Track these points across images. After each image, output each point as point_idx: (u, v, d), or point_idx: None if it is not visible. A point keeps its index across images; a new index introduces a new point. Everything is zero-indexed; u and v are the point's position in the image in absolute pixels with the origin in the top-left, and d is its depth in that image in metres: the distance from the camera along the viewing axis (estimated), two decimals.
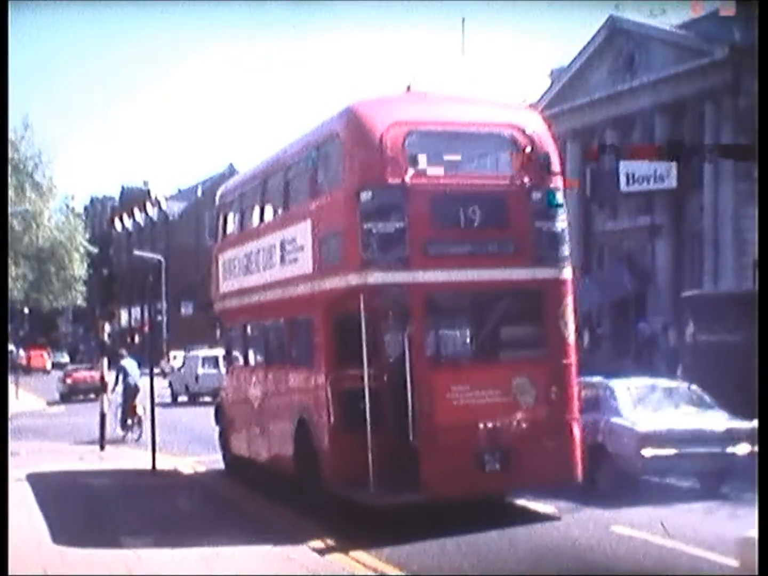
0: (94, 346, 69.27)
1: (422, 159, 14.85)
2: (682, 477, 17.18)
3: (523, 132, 15.14)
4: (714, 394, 19.15)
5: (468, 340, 15.88)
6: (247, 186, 20.15)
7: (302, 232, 16.12)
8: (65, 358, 76.62)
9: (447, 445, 13.94)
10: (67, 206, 75.07)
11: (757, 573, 7.93)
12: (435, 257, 14.44)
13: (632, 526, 14.25)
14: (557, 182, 15.33)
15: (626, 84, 43.32)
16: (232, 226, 20.88)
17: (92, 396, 40.71)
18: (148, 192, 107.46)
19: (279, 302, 17.29)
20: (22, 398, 44.72)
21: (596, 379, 18.31)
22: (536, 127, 15.49)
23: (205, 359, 36.80)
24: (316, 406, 15.23)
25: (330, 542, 13.23)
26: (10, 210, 57.78)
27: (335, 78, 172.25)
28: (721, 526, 13.60)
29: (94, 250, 73.40)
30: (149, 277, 72.91)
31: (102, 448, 24.47)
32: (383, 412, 14.35)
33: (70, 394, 44.52)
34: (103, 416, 25.04)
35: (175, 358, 48.91)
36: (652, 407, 17.30)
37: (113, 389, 27.54)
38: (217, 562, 12.46)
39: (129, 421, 27.00)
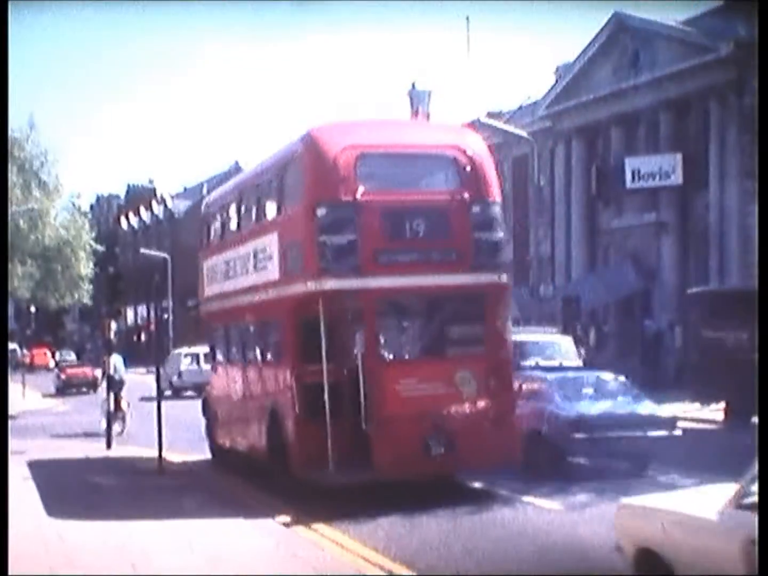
0: (101, 344, 69.42)
1: (372, 178, 16.74)
2: (611, 459, 18.39)
3: (464, 153, 17.06)
4: (718, 389, 19.30)
5: (415, 339, 17.48)
6: (226, 199, 22.25)
7: (270, 243, 18.07)
8: (72, 356, 76.75)
9: (396, 432, 15.69)
10: (73, 205, 75.07)
11: (757, 573, 7.93)
12: (384, 265, 16.20)
13: None
14: (495, 197, 17.13)
15: (631, 81, 43.24)
16: (213, 235, 22.79)
17: (84, 390, 47.22)
18: (154, 190, 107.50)
19: (253, 305, 19.16)
20: (29, 397, 44.79)
21: (536, 371, 21.14)
22: (476, 148, 17.53)
23: (187, 356, 39.00)
24: (284, 398, 17.02)
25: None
26: (16, 209, 57.97)
27: (339, 77, 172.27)
28: None
29: (101, 248, 73.44)
30: (155, 275, 72.95)
31: (109, 446, 24.55)
32: (341, 404, 16.05)
33: (64, 388, 48.61)
34: (109, 415, 25.14)
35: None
36: (583, 396, 19.11)
37: (100, 384, 28.88)
38: (223, 562, 12.49)
39: (117, 414, 27.30)
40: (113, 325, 25.33)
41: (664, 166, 41.39)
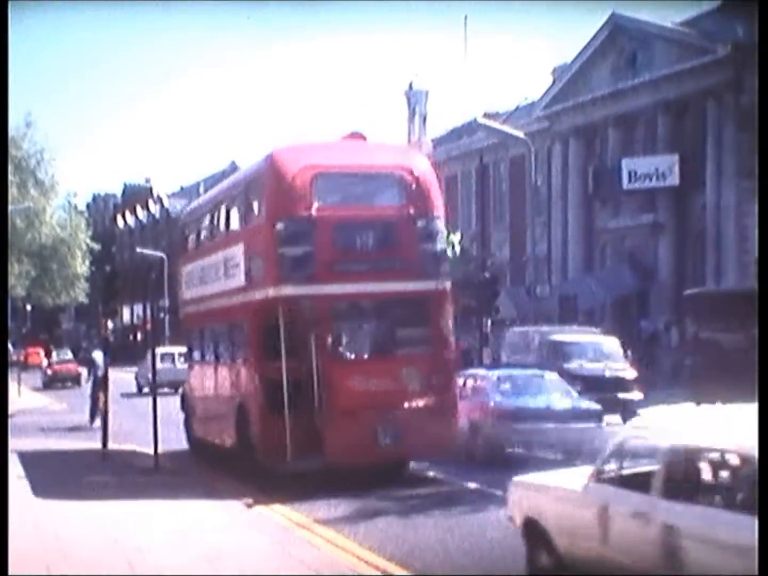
0: (96, 343, 69.51)
1: (327, 195, 18.46)
2: (540, 449, 19.69)
3: (411, 172, 18.75)
4: (714, 390, 19.28)
5: (366, 339, 19.00)
6: (201, 211, 24.50)
7: (237, 253, 19.90)
8: (69, 355, 76.75)
9: (347, 424, 17.31)
10: (70, 203, 75.05)
11: (757, 573, 7.92)
12: (337, 273, 17.85)
13: None
14: (438, 212, 19.02)
15: (628, 82, 43.31)
16: (190, 243, 24.58)
17: (69, 384, 51.52)
18: (151, 189, 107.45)
19: (223, 309, 20.87)
20: (24, 395, 44.80)
21: (478, 370, 23.84)
22: (422, 168, 19.14)
23: (163, 356, 39.73)
24: (250, 394, 18.72)
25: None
26: (13, 207, 57.91)
27: (336, 77, 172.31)
28: None
29: (97, 247, 73.42)
30: (151, 274, 72.88)
31: (105, 446, 24.49)
32: (299, 398, 17.52)
33: (50, 382, 52.54)
34: (105, 415, 25.05)
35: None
36: (516, 391, 21.00)
37: (88, 379, 30.40)
38: (220, 562, 12.50)
39: (96, 411, 28.01)
40: (110, 324, 25.35)
41: (660, 166, 41.46)
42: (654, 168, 41.58)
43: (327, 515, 15.24)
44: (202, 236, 23.59)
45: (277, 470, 17.55)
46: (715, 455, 9.20)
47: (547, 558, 10.49)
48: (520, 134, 40.02)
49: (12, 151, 63.63)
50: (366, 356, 18.74)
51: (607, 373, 27.36)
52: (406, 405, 17.73)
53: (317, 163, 18.74)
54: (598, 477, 10.07)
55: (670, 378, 35.00)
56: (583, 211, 47.21)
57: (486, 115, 52.35)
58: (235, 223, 20.95)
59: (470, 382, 21.57)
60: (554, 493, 10.68)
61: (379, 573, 12.22)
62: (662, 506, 8.96)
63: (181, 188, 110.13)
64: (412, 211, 18.49)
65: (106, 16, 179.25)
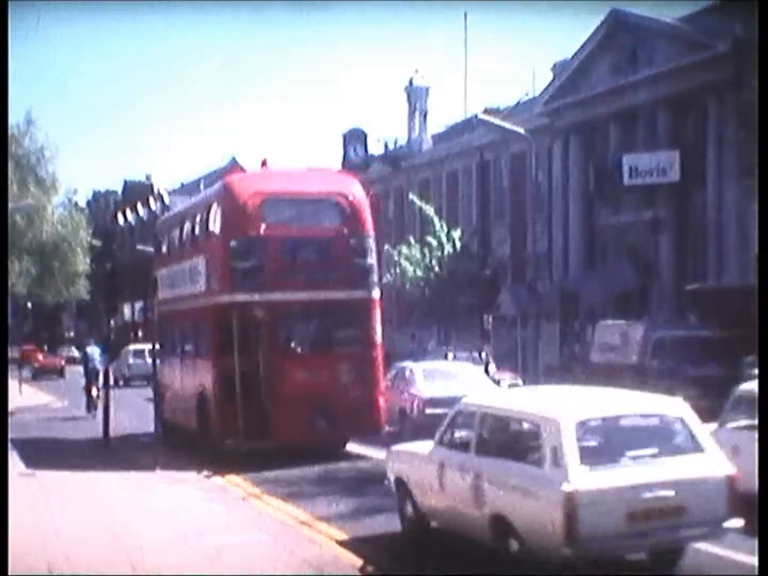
0: (91, 339, 69.65)
1: (273, 217, 21.69)
2: None
3: (346, 197, 22.21)
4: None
5: (305, 339, 22.27)
6: (172, 222, 27.92)
7: (199, 263, 22.91)
8: (74, 352, 76.95)
9: (289, 409, 20.62)
10: (70, 201, 75.12)
11: (757, 573, 7.95)
12: (281, 283, 20.99)
13: None
14: (369, 231, 22.19)
15: (629, 78, 43.22)
16: (164, 250, 27.87)
17: (54, 376, 58.83)
18: (151, 186, 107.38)
19: (188, 311, 23.71)
20: (26, 393, 44.89)
21: (407, 363, 27.71)
22: (356, 194, 22.58)
23: (135, 352, 44.26)
24: (208, 384, 21.74)
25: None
26: (13, 205, 57.89)
27: (337, 73, 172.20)
28: None
29: (98, 244, 73.39)
30: (152, 271, 72.98)
31: (106, 434, 24.82)
32: (249, 388, 20.72)
33: (38, 374, 57.67)
34: (106, 407, 25.44)
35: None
36: (437, 381, 24.62)
37: (83, 374, 33.49)
38: (221, 560, 12.51)
39: (91, 401, 32.35)
40: (111, 322, 25.81)
41: (661, 163, 41.39)
42: (655, 164, 41.48)
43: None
44: (172, 245, 26.77)
45: (231, 448, 20.76)
46: (513, 422, 12.23)
47: (410, 508, 13.65)
48: (521, 130, 39.99)
49: (13, 148, 63.66)
50: (306, 353, 21.97)
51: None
52: (339, 394, 21.04)
53: (265, 190, 22.27)
54: (439, 442, 13.17)
55: None
56: (584, 207, 47.14)
57: (486, 111, 52.35)
58: (198, 237, 24.03)
59: (401, 374, 26.39)
60: (412, 457, 13.85)
61: (380, 573, 12.26)
62: (475, 461, 12.11)
63: (182, 185, 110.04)
64: (346, 230, 21.90)
65: (107, 14, 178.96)
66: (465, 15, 60.31)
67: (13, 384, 43.33)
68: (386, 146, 65.72)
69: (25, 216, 64.66)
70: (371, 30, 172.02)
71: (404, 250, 49.13)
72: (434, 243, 48.06)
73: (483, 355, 35.47)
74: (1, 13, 18.57)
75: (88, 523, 14.98)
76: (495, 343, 34.25)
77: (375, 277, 22.44)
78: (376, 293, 22.20)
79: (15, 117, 64.63)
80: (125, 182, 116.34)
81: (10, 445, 23.37)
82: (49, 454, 23.73)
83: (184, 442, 23.26)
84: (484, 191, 52.24)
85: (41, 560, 12.53)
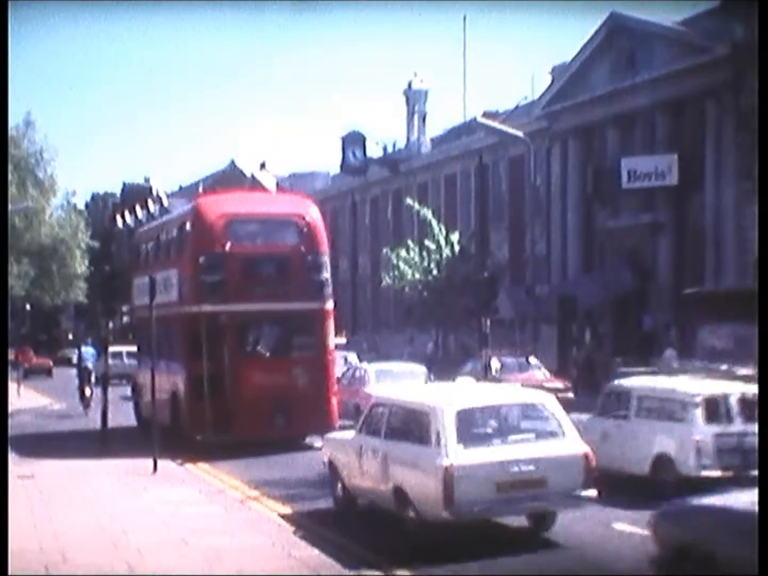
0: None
1: (238, 236, 24.29)
2: None
3: (303, 218, 24.85)
4: None
5: (266, 345, 24.56)
6: (149, 235, 30.59)
7: (172, 275, 25.04)
8: (66, 354, 76.85)
9: (250, 408, 22.93)
10: (69, 203, 75.03)
11: (757, 573, 7.96)
12: (244, 295, 23.35)
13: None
14: (323, 249, 24.91)
15: (627, 81, 43.23)
16: (140, 260, 30.10)
17: (43, 376, 61.78)
18: (150, 188, 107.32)
19: (162, 318, 24.40)
20: (24, 395, 44.89)
21: (363, 364, 30.71)
22: (312, 215, 25.23)
23: (113, 354, 43.54)
24: (180, 385, 23.96)
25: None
26: (11, 207, 57.86)
27: (336, 76, 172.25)
28: None
29: (96, 245, 73.32)
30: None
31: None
32: (216, 388, 23.10)
33: (28, 374, 58.58)
34: (104, 413, 25.50)
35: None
36: (387, 381, 26.96)
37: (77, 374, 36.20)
38: (219, 562, 12.51)
39: (84, 400, 34.54)
40: (109, 324, 26.30)
41: (660, 166, 41.40)
42: (653, 167, 41.49)
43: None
44: (148, 256, 29.20)
45: (199, 441, 23.07)
46: (410, 411, 14.45)
47: (340, 487, 16.05)
48: (520, 134, 40.02)
49: (11, 150, 63.59)
50: (266, 357, 24.30)
51: None
52: (295, 394, 23.47)
53: (231, 211, 24.95)
54: (359, 430, 15.54)
55: None
56: (582, 210, 47.16)
57: (485, 115, 52.34)
58: (171, 251, 26.64)
59: (356, 374, 29.80)
60: (340, 444, 16.29)
61: (380, 573, 12.26)
62: (383, 444, 14.48)
63: (181, 187, 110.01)
64: (303, 248, 24.48)
65: (106, 16, 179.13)
66: (464, 18, 60.31)
67: (11, 386, 43.45)
68: (385, 149, 65.54)
69: (23, 218, 64.62)
70: (370, 33, 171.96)
71: (403, 253, 49.11)
72: (433, 246, 48.04)
73: (530, 359, 35.68)
74: (1, 13, 18.56)
75: (85, 526, 14.98)
76: (493, 345, 34.12)
77: (328, 290, 24.97)
78: (329, 305, 24.87)
79: (14, 119, 64.55)
80: (124, 184, 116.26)
81: (16, 439, 25.44)
82: (51, 443, 26.59)
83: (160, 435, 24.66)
84: (482, 194, 52.19)
85: (39, 561, 12.54)
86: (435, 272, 47.74)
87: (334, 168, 71.10)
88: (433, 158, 61.51)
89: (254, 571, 12.04)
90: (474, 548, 13.22)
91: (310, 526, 14.78)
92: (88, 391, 34.64)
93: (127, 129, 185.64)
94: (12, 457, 22.31)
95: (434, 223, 48.75)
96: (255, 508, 16.57)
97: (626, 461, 17.21)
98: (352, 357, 42.31)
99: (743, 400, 16.49)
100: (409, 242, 50.41)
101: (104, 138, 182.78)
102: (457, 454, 13.11)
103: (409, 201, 53.62)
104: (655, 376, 21.11)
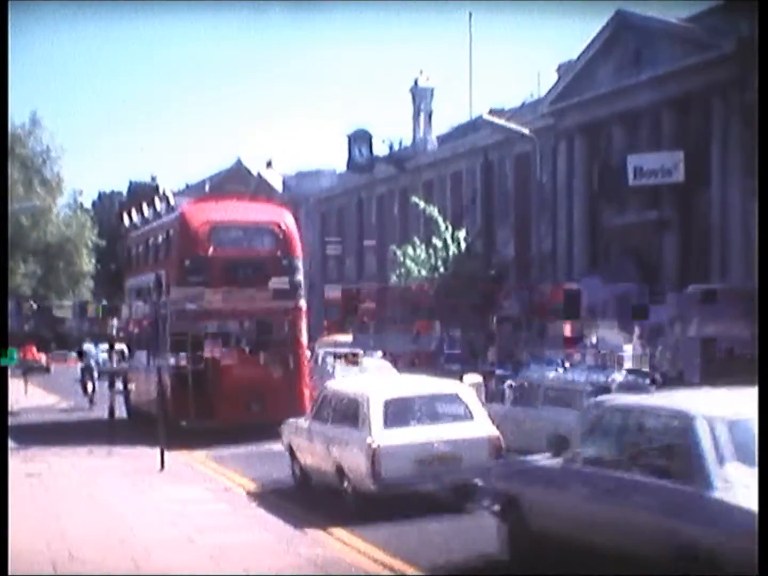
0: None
1: (220, 241, 26.77)
2: None
3: (279, 225, 27.40)
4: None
5: (244, 340, 26.52)
6: (140, 240, 32.99)
7: (161, 276, 26.29)
8: (67, 353, 77.07)
9: (229, 397, 25.03)
10: (76, 201, 75.22)
11: (757, 573, 7.97)
12: (225, 295, 25.49)
13: None
14: (298, 254, 27.32)
15: (633, 78, 43.22)
16: (133, 262, 32.55)
17: (41, 372, 62.18)
18: (156, 187, 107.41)
19: (151, 316, 27.67)
20: (31, 394, 44.96)
21: (329, 359, 31.75)
22: (288, 222, 27.74)
23: (101, 351, 49.08)
24: (166, 376, 24.70)
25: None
26: (18, 206, 57.93)
27: (341, 74, 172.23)
28: None
29: (103, 244, 73.42)
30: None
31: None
32: (198, 380, 25.33)
33: (26, 372, 58.63)
34: (112, 406, 26.02)
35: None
36: (350, 374, 27.91)
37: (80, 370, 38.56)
38: (226, 560, 12.55)
39: (87, 394, 36.73)
40: (114, 321, 26.77)
41: (666, 163, 41.38)
42: (659, 165, 41.49)
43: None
44: (140, 258, 31.32)
45: (182, 428, 24.53)
46: (348, 400, 16.70)
47: (297, 467, 18.32)
48: (526, 131, 40.02)
49: (18, 149, 63.72)
50: (245, 352, 26.28)
51: None
52: (271, 385, 25.61)
53: (214, 219, 27.46)
54: (312, 417, 17.90)
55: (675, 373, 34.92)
56: (588, 207, 47.16)
57: (491, 112, 52.32)
58: (159, 255, 28.92)
59: (326, 366, 31.15)
60: (296, 428, 18.43)
61: (388, 572, 12.28)
62: (328, 428, 16.88)
63: (187, 186, 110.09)
64: (279, 253, 26.94)
65: (111, 14, 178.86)
66: (470, 16, 60.20)
67: (18, 384, 43.56)
68: (391, 147, 65.70)
69: (30, 217, 64.69)
70: (376, 31, 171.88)
71: (409, 250, 49.13)
72: (439, 244, 48.05)
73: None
74: (1, 13, 18.56)
75: (92, 524, 15.04)
76: (499, 343, 34.19)
77: (302, 291, 27.43)
78: (302, 303, 27.28)
79: (20, 118, 64.68)
80: (130, 183, 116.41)
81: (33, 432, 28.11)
82: (65, 433, 28.39)
83: (147, 422, 26.73)
84: (488, 192, 52.23)
85: (47, 559, 12.60)
86: (441, 270, 47.75)
87: (341, 166, 71.33)
88: (439, 156, 61.49)
89: (260, 568, 12.07)
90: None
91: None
92: (90, 387, 36.90)
93: (133, 128, 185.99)
94: (23, 453, 22.42)
95: (440, 220, 48.77)
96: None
97: (534, 441, 19.00)
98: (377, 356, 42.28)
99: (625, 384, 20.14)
100: (416, 240, 50.43)
101: (111, 137, 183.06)
102: (382, 436, 15.47)
103: (415, 199, 53.66)
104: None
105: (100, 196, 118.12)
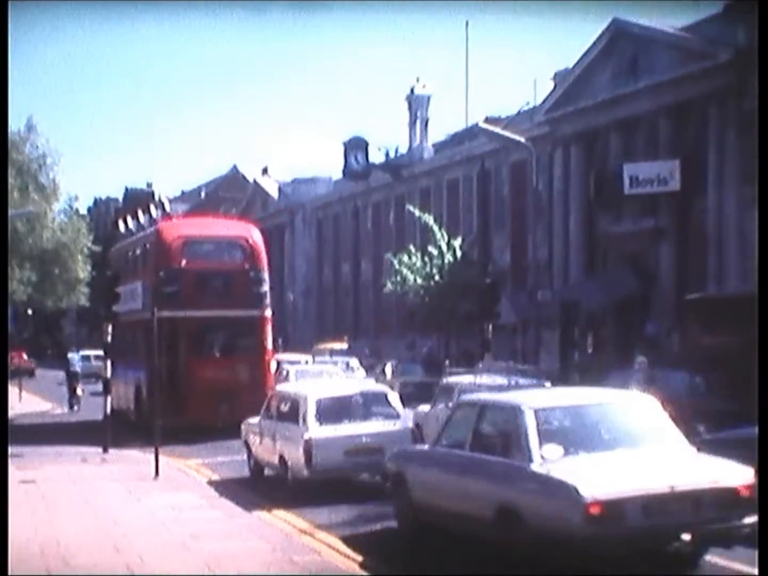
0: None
1: (192, 254, 29.58)
2: None
3: (247, 240, 30.36)
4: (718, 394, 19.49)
5: (214, 345, 29.09)
6: (122, 252, 36.93)
7: (138, 286, 29.21)
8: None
9: (199, 398, 26.95)
10: (71, 207, 74.98)
11: (757, 573, 7.96)
12: (196, 303, 27.12)
13: None
14: (263, 266, 30.10)
15: (630, 87, 43.26)
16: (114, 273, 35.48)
17: (26, 377, 60.89)
18: (152, 193, 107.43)
19: (129, 323, 29.48)
20: (25, 400, 44.97)
21: (286, 365, 35.19)
22: (254, 237, 30.66)
23: (82, 357, 51.06)
24: (142, 379, 27.54)
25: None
26: (14, 212, 57.80)
27: (338, 81, 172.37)
28: None
29: (98, 250, 73.29)
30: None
31: (105, 450, 24.87)
32: (172, 382, 27.24)
33: (13, 375, 58.66)
34: (106, 418, 25.54)
35: None
36: (306, 379, 29.29)
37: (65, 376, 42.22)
38: (219, 564, 12.52)
39: (73, 399, 39.57)
40: (110, 328, 26.63)
41: (662, 172, 41.41)
42: (655, 173, 41.49)
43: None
44: (120, 270, 32.57)
45: (157, 426, 25.26)
46: (289, 399, 19.76)
47: (252, 460, 20.85)
48: (522, 139, 40.02)
49: (13, 155, 63.54)
50: (214, 356, 28.57)
51: None
52: (237, 387, 27.75)
53: (186, 234, 30.54)
54: (262, 415, 20.48)
55: None
56: (585, 215, 47.15)
57: (487, 120, 52.34)
58: (137, 267, 31.48)
59: (284, 373, 33.08)
60: (251, 426, 20.96)
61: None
62: (275, 425, 19.63)
63: (183, 192, 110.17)
64: (246, 266, 29.71)
65: (107, 18, 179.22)
66: (466, 23, 60.34)
67: (12, 390, 43.58)
68: (387, 154, 65.77)
69: (25, 222, 64.56)
70: (373, 38, 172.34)
71: (405, 258, 49.16)
72: (435, 252, 48.07)
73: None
74: (1, 13, 18.51)
75: (87, 531, 15.00)
76: (495, 351, 34.11)
77: (267, 301, 29.93)
78: (268, 312, 29.85)
79: (16, 123, 64.57)
80: (126, 189, 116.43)
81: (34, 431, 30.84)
82: (61, 433, 30.98)
83: (125, 422, 29.98)
84: (484, 200, 52.27)
85: (41, 565, 12.55)
86: (437, 277, 47.77)
87: (337, 173, 71.33)
88: (435, 164, 61.54)
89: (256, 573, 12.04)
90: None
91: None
92: (79, 391, 40.05)
93: (129, 134, 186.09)
94: (17, 461, 22.36)
95: (436, 228, 48.79)
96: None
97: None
98: (354, 362, 42.31)
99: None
100: (411, 248, 50.46)
101: (107, 143, 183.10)
102: (315, 430, 18.32)
103: (411, 207, 53.66)
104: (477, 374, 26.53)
105: (96, 201, 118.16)
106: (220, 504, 17.34)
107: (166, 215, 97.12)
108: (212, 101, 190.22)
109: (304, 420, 18.45)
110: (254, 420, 20.90)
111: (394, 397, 19.72)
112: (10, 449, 23.97)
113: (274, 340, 32.53)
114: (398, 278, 49.40)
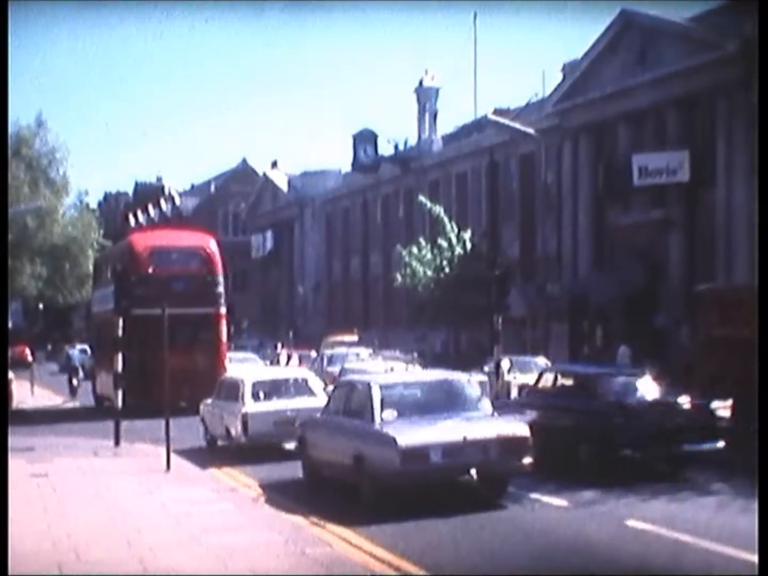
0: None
1: (158, 261, 35.42)
2: None
3: (205, 249, 36.59)
4: (726, 387, 19.43)
5: (176, 338, 28.94)
6: (102, 260, 44.77)
7: (114, 288, 30.01)
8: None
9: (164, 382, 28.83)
10: (81, 202, 75.21)
11: (757, 573, 8.00)
12: (162, 303, 28.06)
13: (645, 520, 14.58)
14: (219, 271, 36.13)
15: (638, 78, 43.20)
16: (99, 277, 41.83)
17: (23, 368, 61.25)
18: (162, 187, 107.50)
19: (106, 321, 33.10)
20: (38, 394, 45.14)
21: (248, 354, 45.38)
22: (211, 247, 36.80)
23: (80, 350, 55.97)
24: (117, 367, 28.02)
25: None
26: (24, 207, 57.89)
27: (346, 74, 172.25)
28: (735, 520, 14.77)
29: (108, 244, 73.43)
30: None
31: (117, 444, 24.96)
32: (141, 369, 31.76)
33: (11, 367, 62.11)
34: (117, 420, 25.81)
35: None
36: (245, 365, 36.84)
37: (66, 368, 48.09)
38: (232, 557, 12.57)
39: (72, 388, 43.98)
40: (120, 323, 27.01)
41: (671, 162, 41.34)
42: (664, 164, 41.44)
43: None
44: (103, 274, 39.49)
45: (133, 405, 29.05)
46: (231, 382, 24.68)
47: (208, 434, 25.32)
48: (531, 131, 40.05)
49: (23, 150, 63.74)
50: (177, 347, 29.10)
51: None
52: (196, 373, 32.09)
53: (154, 244, 36.92)
54: (214, 396, 25.16)
55: (682, 374, 34.87)
56: (594, 207, 47.12)
57: (496, 112, 52.37)
58: (113, 272, 34.16)
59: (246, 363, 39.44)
60: (206, 406, 25.54)
61: (394, 573, 12.29)
62: (222, 404, 24.25)
63: (193, 186, 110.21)
64: (204, 271, 35.83)
65: (115, 14, 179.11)
66: (474, 15, 60.22)
67: (24, 385, 43.79)
68: (396, 147, 65.75)
69: (36, 217, 64.70)
70: (382, 31, 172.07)
71: (414, 250, 49.17)
72: (444, 244, 48.06)
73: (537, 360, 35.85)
74: (1, 13, 18.54)
75: (98, 525, 15.06)
76: (504, 343, 34.12)
77: (222, 300, 35.92)
78: (222, 310, 35.98)
79: (25, 119, 64.74)
80: (136, 183, 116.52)
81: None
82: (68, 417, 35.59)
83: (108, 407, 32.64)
84: (493, 192, 52.18)
85: (53, 559, 12.62)
86: (447, 270, 47.76)
87: (346, 166, 71.41)
88: (444, 156, 61.52)
89: (267, 569, 12.08)
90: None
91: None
92: (75, 382, 44.11)
93: (139, 128, 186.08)
94: (28, 455, 22.46)
95: (446, 220, 48.78)
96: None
97: None
98: (364, 353, 42.41)
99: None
100: (421, 240, 50.46)
101: (117, 137, 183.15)
102: (250, 405, 23.07)
103: (421, 198, 53.65)
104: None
105: (106, 196, 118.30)
106: (231, 497, 17.41)
107: (174, 210, 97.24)
108: (222, 95, 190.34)
109: (242, 398, 23.34)
110: (208, 400, 25.63)
111: (314, 380, 25.04)
112: (22, 442, 24.18)
113: (228, 333, 37.77)
114: (408, 271, 49.42)
